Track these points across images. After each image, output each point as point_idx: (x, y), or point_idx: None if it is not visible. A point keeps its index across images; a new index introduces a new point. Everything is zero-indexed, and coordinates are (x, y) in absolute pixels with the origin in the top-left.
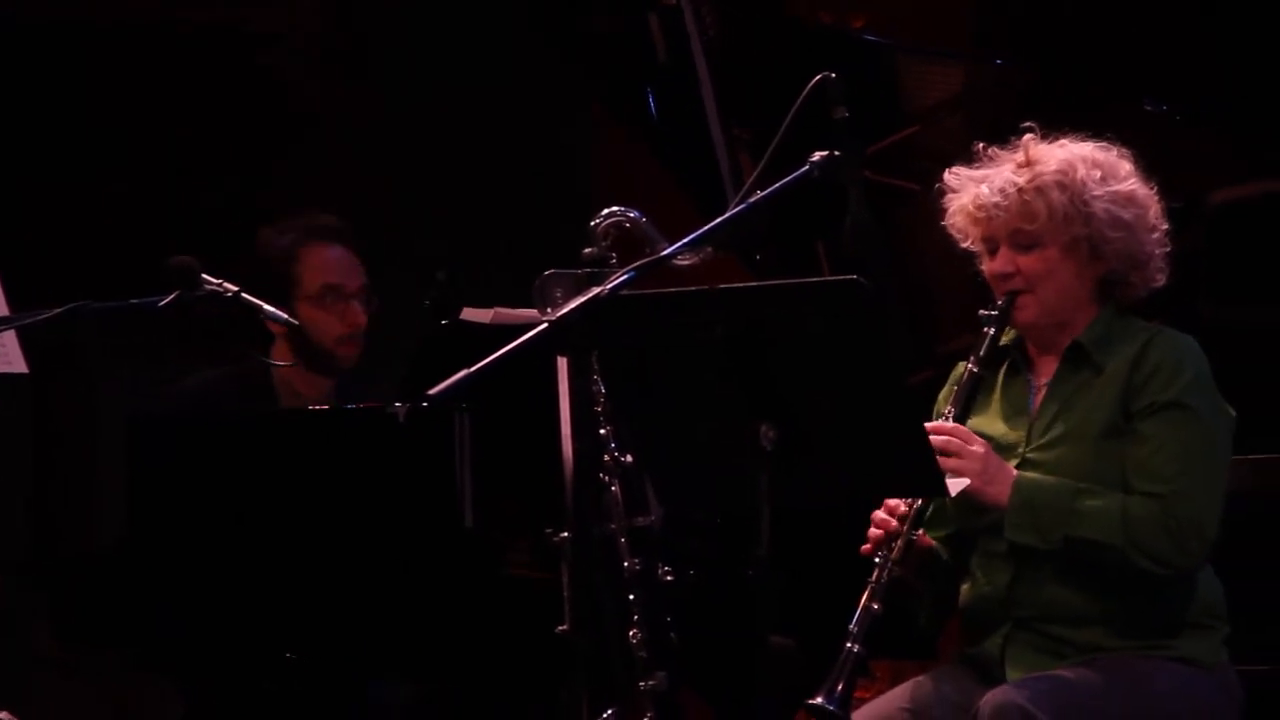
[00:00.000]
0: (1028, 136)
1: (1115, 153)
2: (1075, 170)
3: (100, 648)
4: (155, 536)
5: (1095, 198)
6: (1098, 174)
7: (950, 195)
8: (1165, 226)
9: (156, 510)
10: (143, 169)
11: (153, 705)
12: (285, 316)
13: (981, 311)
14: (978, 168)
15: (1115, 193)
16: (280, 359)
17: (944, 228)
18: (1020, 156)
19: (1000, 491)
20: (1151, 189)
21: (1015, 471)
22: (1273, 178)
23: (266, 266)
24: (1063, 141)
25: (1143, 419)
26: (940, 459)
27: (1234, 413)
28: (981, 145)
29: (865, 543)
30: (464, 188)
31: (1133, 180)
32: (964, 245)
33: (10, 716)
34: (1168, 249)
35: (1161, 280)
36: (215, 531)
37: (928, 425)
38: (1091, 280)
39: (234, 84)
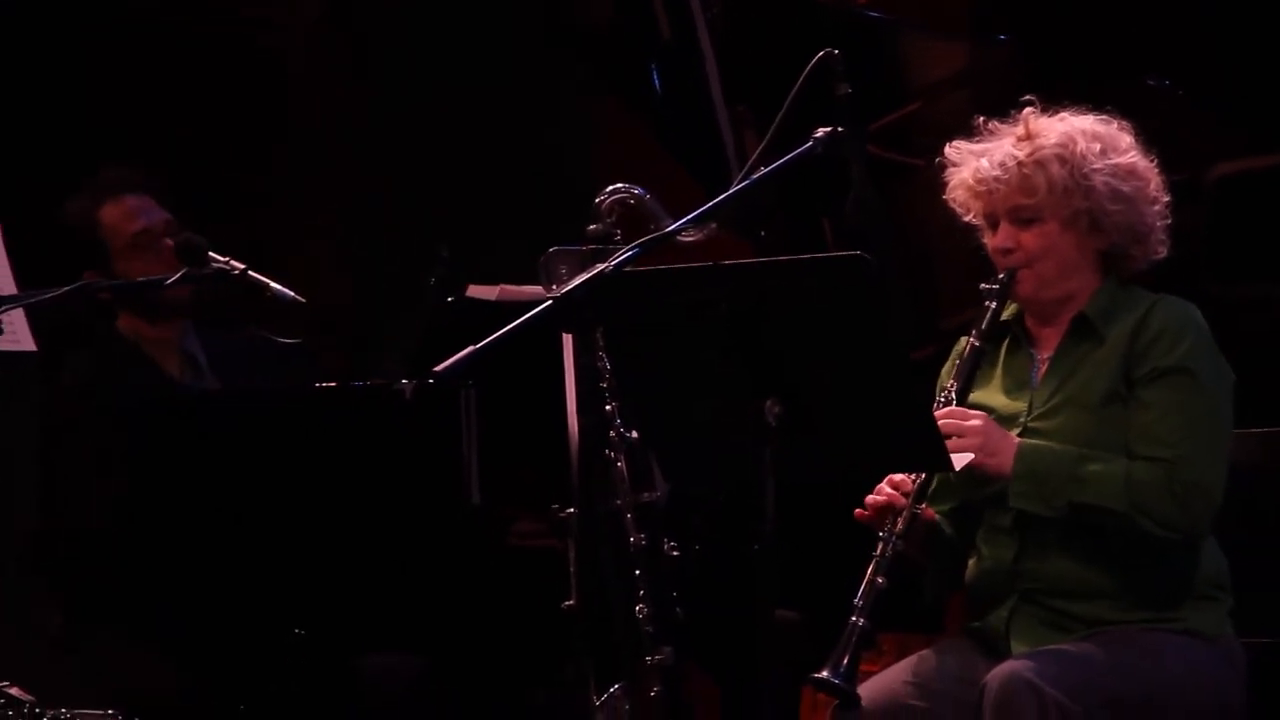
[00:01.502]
0: (1028, 110)
1: (1115, 125)
2: (1075, 143)
3: (106, 624)
4: (161, 514)
5: (1095, 170)
6: (1097, 147)
7: (951, 169)
8: (1166, 199)
9: (163, 487)
10: (145, 152)
11: (157, 680)
12: (292, 295)
13: (983, 285)
14: (978, 142)
15: (1115, 165)
16: (124, 324)
17: (946, 203)
18: (1020, 130)
19: (1003, 462)
20: (1152, 162)
21: (1017, 439)
22: (1277, 153)
23: (74, 240)
24: (1063, 115)
25: (1145, 385)
26: None
27: (1234, 376)
28: (982, 119)
29: (866, 510)
30: (468, 165)
31: (1133, 153)
32: (965, 219)
33: (20, 691)
34: (1169, 222)
35: (1163, 253)
36: (221, 509)
37: None
38: (1092, 253)
39: (234, 67)
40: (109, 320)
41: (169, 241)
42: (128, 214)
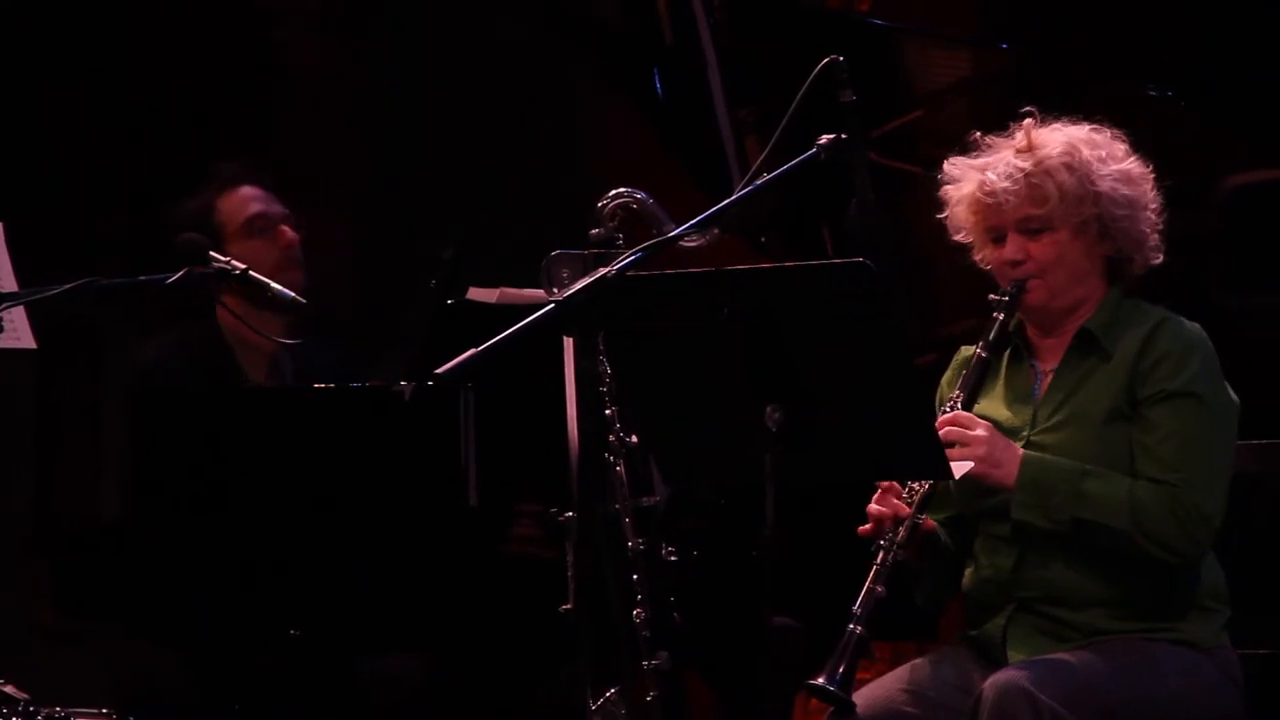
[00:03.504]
0: (1028, 121)
1: (1109, 134)
2: (1079, 151)
3: (102, 619)
4: (158, 511)
5: (1102, 177)
6: (1101, 153)
7: (950, 186)
8: (1159, 204)
9: (160, 485)
10: (147, 147)
11: (153, 676)
12: (293, 295)
13: (991, 296)
14: (976, 156)
15: (1119, 171)
16: (233, 307)
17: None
18: (1021, 142)
19: (1007, 473)
20: (1147, 167)
21: (1021, 451)
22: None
23: (190, 230)
24: (1056, 126)
25: (1150, 406)
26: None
27: (1238, 399)
28: (978, 134)
29: (868, 524)
30: (471, 167)
31: (1131, 159)
32: (957, 238)
33: (15, 690)
34: (1161, 227)
35: (1158, 259)
36: (218, 507)
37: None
38: (1100, 260)
39: (238, 60)
40: (208, 312)
41: (286, 229)
42: (243, 200)
